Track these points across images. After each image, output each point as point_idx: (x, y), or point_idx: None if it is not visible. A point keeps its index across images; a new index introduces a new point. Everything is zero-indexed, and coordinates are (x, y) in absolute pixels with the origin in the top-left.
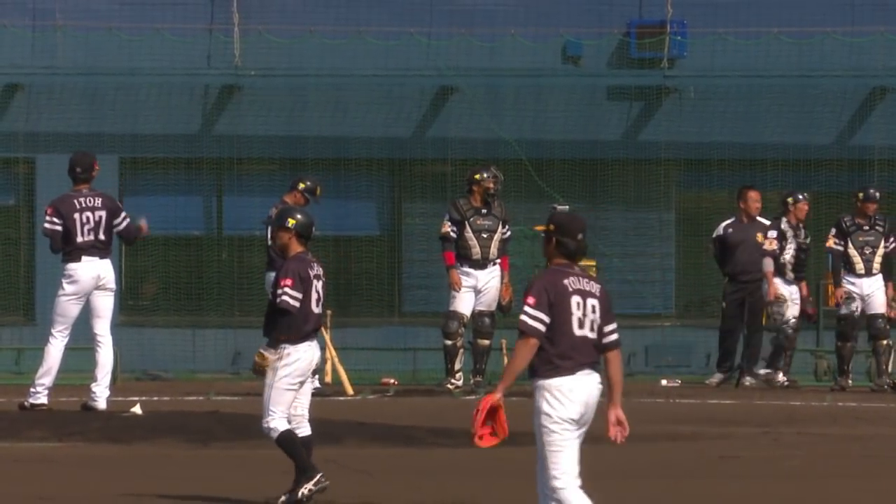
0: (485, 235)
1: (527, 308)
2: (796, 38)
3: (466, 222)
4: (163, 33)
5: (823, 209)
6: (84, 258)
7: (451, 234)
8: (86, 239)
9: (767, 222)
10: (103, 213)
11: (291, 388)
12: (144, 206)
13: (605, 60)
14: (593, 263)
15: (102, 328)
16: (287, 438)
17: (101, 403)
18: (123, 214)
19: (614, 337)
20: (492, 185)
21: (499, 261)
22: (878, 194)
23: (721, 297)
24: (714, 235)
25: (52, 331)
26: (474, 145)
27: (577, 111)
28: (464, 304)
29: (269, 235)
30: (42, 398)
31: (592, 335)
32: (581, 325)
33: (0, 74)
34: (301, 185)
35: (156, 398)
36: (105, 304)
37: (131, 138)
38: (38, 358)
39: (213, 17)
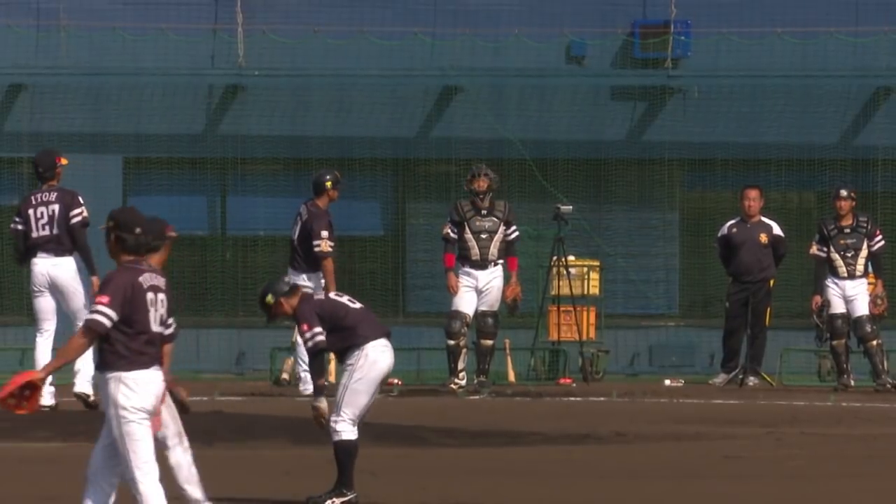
0: (483, 237)
1: (99, 307)
2: (800, 37)
3: (466, 223)
4: (167, 33)
5: (827, 209)
6: (39, 254)
7: (451, 234)
8: (40, 234)
9: (772, 223)
10: (56, 207)
11: (366, 391)
12: (148, 205)
13: (609, 60)
14: (597, 263)
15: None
16: (346, 447)
17: (78, 387)
18: (80, 210)
19: (173, 329)
20: (483, 185)
21: (501, 261)
22: (846, 192)
23: (725, 297)
24: (718, 235)
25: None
26: (478, 145)
27: (581, 111)
28: (465, 303)
29: (295, 234)
30: (47, 399)
31: (163, 329)
32: (156, 321)
33: (4, 74)
34: (328, 183)
35: None
36: (70, 303)
37: (135, 138)
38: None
39: (217, 16)
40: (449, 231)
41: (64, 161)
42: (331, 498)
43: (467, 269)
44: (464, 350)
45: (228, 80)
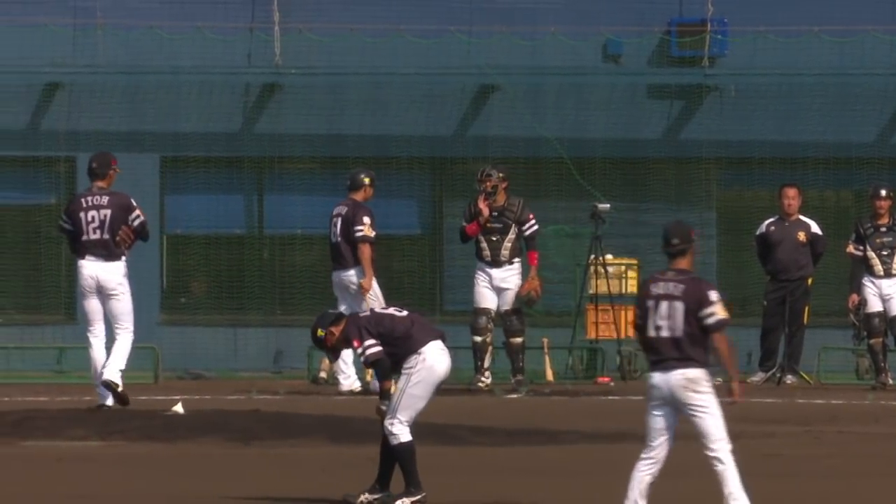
0: (494, 238)
1: None
2: (837, 36)
3: (477, 224)
4: (204, 32)
5: (864, 208)
6: (88, 257)
7: (465, 223)
8: (90, 237)
9: (810, 221)
10: (108, 212)
11: (424, 395)
12: (185, 204)
13: (646, 59)
14: (635, 262)
15: (118, 325)
16: (405, 449)
17: (105, 374)
18: (137, 213)
19: None
20: (489, 185)
21: (516, 260)
22: (885, 191)
23: (762, 295)
24: (756, 233)
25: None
26: (515, 144)
27: (618, 110)
28: (486, 299)
29: (337, 231)
30: (104, 399)
31: None
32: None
33: (41, 73)
34: (367, 180)
35: (197, 397)
36: (113, 307)
37: (172, 137)
38: (80, 357)
39: (254, 15)
40: (463, 223)
41: (118, 168)
42: (401, 499)
43: (482, 267)
44: (490, 347)
45: (265, 79)
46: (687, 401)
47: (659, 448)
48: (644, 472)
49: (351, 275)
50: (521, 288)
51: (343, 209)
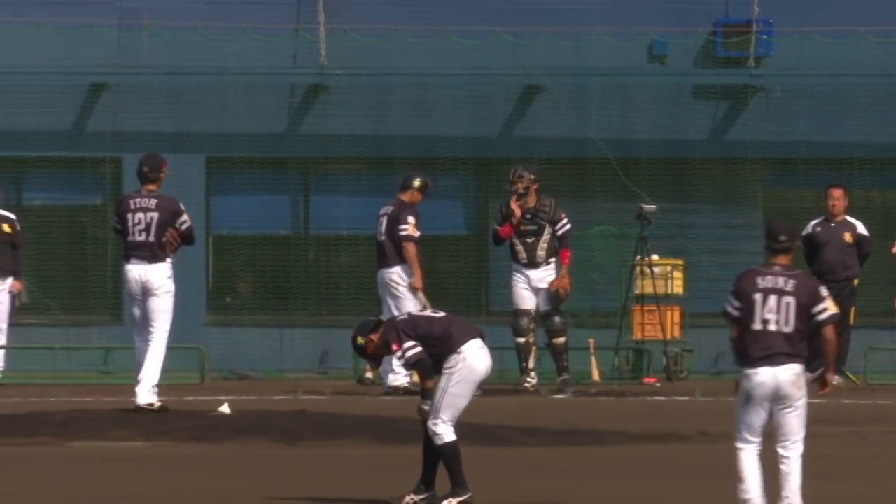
0: (529, 240)
1: None
2: (883, 36)
3: (510, 226)
4: (249, 33)
5: None
6: (133, 259)
7: (498, 227)
8: (136, 239)
9: (856, 222)
10: (156, 215)
11: (465, 394)
12: (231, 205)
13: (692, 59)
14: (681, 262)
15: (153, 326)
16: (450, 449)
17: (138, 397)
18: (184, 217)
19: None
20: (520, 186)
21: (553, 260)
22: None
23: None
24: (802, 234)
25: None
26: (560, 144)
27: (664, 110)
28: (525, 300)
29: (382, 230)
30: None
31: None
32: None
33: (86, 74)
34: (417, 183)
35: (243, 397)
36: (152, 307)
37: (218, 137)
38: (127, 357)
39: (300, 16)
40: (496, 226)
41: (167, 170)
42: (447, 499)
43: (519, 269)
44: (533, 347)
45: (310, 80)
46: (791, 397)
47: (759, 441)
48: (757, 461)
49: (392, 273)
50: (550, 284)
51: (390, 208)
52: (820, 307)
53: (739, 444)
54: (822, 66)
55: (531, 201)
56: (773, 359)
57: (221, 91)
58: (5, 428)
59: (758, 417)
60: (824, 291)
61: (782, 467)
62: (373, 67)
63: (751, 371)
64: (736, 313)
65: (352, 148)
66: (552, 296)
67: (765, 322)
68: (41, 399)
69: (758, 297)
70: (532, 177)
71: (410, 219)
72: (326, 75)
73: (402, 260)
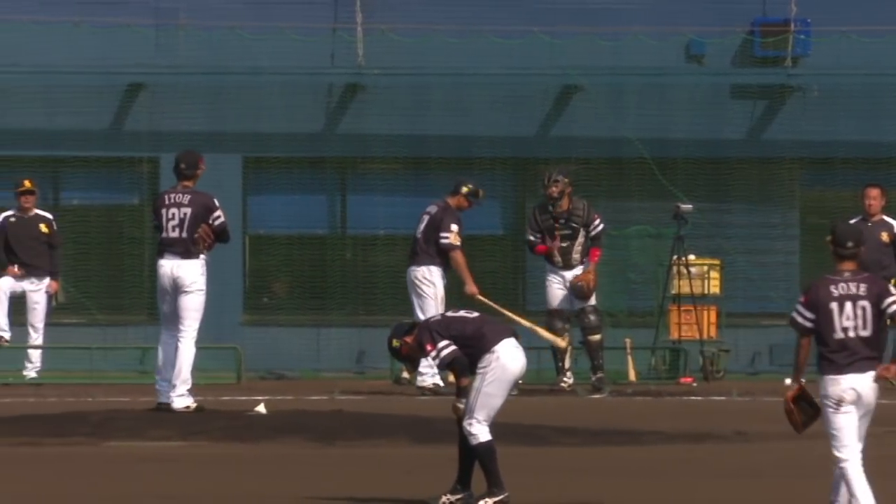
0: (563, 244)
1: None
2: None
3: (545, 234)
4: (286, 32)
5: None
6: (166, 255)
7: (533, 238)
8: (169, 235)
9: (893, 222)
10: (189, 211)
11: (500, 393)
12: (268, 205)
13: (729, 59)
14: (718, 262)
15: (182, 324)
16: (485, 449)
17: (173, 403)
18: (217, 213)
19: None
20: (555, 191)
21: (587, 259)
22: None
23: None
24: None
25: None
26: (597, 144)
27: (701, 110)
28: (559, 301)
29: (421, 228)
30: (163, 397)
31: None
32: None
33: (124, 74)
34: (465, 189)
35: (280, 397)
36: (182, 304)
37: (254, 137)
38: None
39: (337, 16)
40: (530, 236)
41: (204, 167)
42: (484, 499)
43: (554, 269)
44: (569, 348)
45: (348, 80)
46: (871, 404)
47: (855, 445)
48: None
49: (419, 271)
50: (575, 277)
51: (434, 209)
52: (888, 300)
53: (842, 456)
54: (860, 66)
55: (564, 205)
56: (858, 365)
57: (258, 91)
58: (42, 428)
59: (852, 420)
60: (890, 286)
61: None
62: (410, 67)
63: (838, 377)
64: (809, 325)
65: (389, 148)
66: (575, 290)
67: (844, 330)
68: (77, 399)
69: (834, 305)
70: (566, 180)
71: (453, 227)
72: (364, 75)
73: (431, 261)
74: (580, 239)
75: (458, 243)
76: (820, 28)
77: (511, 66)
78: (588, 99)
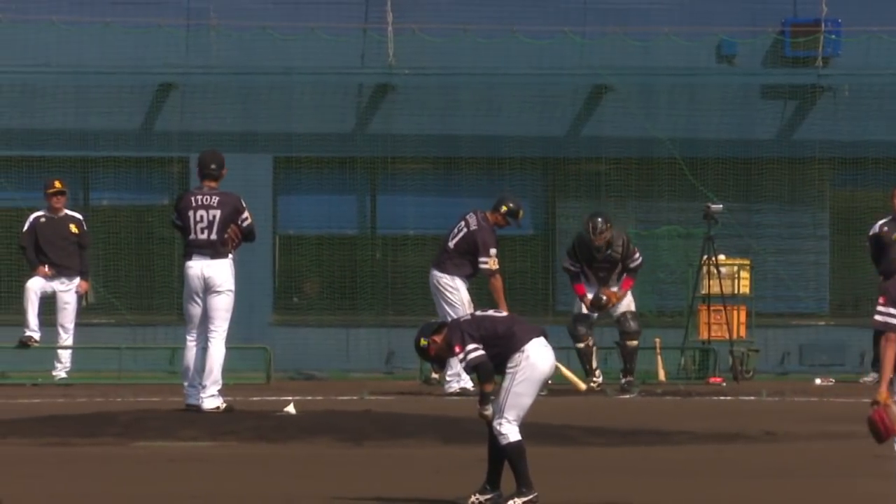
0: (602, 274)
1: None
2: None
3: (584, 267)
4: (317, 32)
5: None
6: (195, 256)
7: (572, 268)
8: (198, 237)
9: None
10: (218, 213)
11: (529, 393)
12: (298, 204)
13: (760, 59)
14: (748, 262)
15: (212, 326)
16: (515, 449)
17: (203, 403)
18: (245, 214)
19: None
20: (600, 241)
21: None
22: None
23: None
24: (869, 234)
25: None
26: (628, 144)
27: (731, 110)
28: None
29: (455, 241)
30: (192, 399)
31: None
32: None
33: (155, 74)
34: (504, 208)
35: (309, 397)
36: (213, 304)
37: (285, 137)
38: None
39: (367, 16)
40: (569, 266)
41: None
42: (513, 499)
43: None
44: (594, 349)
45: (378, 80)
46: None
47: None
48: None
49: (444, 277)
50: (600, 289)
51: (473, 221)
52: None
53: None
54: (890, 66)
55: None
56: None
57: (289, 91)
58: (71, 428)
59: None
60: None
61: None
62: (440, 67)
63: None
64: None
65: (419, 148)
66: (596, 298)
67: None
68: (107, 399)
69: None
70: (608, 225)
71: (493, 251)
72: (394, 75)
73: (456, 270)
74: (618, 269)
75: (497, 267)
76: (850, 28)
77: (541, 66)
78: (618, 99)
